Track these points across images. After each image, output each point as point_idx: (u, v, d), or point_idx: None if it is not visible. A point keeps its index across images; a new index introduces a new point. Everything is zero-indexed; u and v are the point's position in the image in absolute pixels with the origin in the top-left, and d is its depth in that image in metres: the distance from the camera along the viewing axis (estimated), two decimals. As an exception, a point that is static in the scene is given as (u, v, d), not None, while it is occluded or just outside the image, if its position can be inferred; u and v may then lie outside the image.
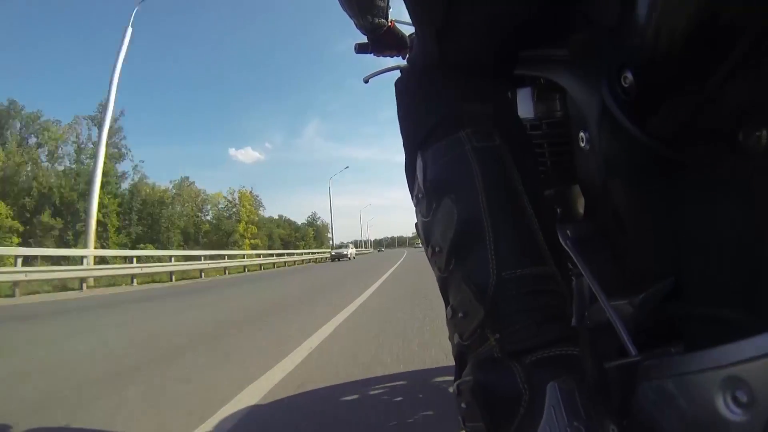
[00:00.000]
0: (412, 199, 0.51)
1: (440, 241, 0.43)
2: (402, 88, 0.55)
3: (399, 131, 0.55)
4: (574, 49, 0.44)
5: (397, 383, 1.75)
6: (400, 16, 0.93)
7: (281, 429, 1.42)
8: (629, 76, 0.35)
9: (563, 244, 0.47)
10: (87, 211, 13.35)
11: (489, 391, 0.37)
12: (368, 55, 1.02)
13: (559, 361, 0.36)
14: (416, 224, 0.51)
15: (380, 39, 0.94)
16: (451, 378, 1.69)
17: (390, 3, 0.89)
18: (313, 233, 55.06)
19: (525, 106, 0.56)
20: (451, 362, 0.47)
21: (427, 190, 0.46)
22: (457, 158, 0.43)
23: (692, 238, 0.35)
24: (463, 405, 0.39)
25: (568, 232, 0.47)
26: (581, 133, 0.45)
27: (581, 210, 0.59)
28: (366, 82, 1.10)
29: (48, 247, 16.47)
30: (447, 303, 0.45)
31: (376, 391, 1.67)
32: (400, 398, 1.61)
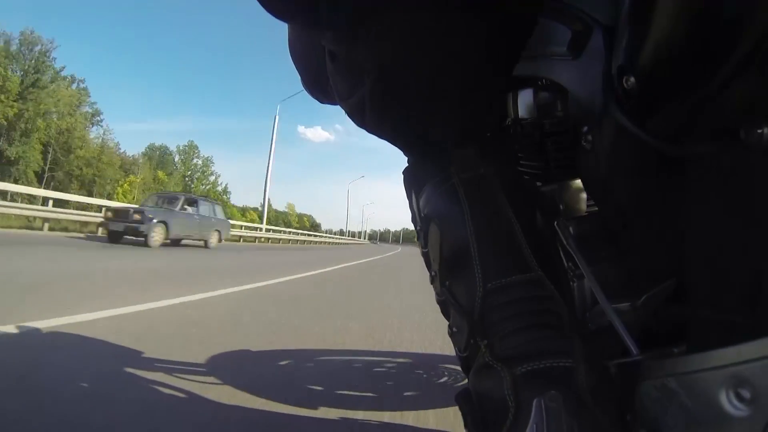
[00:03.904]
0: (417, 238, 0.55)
1: (434, 265, 0.47)
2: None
3: None
4: (575, 49, 0.44)
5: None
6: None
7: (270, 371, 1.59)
8: (631, 75, 0.34)
9: (565, 243, 0.46)
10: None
11: (479, 400, 0.39)
12: None
13: (549, 374, 0.36)
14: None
15: None
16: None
17: None
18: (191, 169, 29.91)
19: (526, 107, 0.56)
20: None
21: (422, 223, 0.50)
22: (446, 190, 0.47)
23: (695, 238, 0.34)
24: (461, 413, 0.41)
25: (570, 230, 0.47)
26: (583, 133, 0.44)
27: (583, 208, 0.59)
28: None
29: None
30: (447, 321, 0.48)
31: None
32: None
